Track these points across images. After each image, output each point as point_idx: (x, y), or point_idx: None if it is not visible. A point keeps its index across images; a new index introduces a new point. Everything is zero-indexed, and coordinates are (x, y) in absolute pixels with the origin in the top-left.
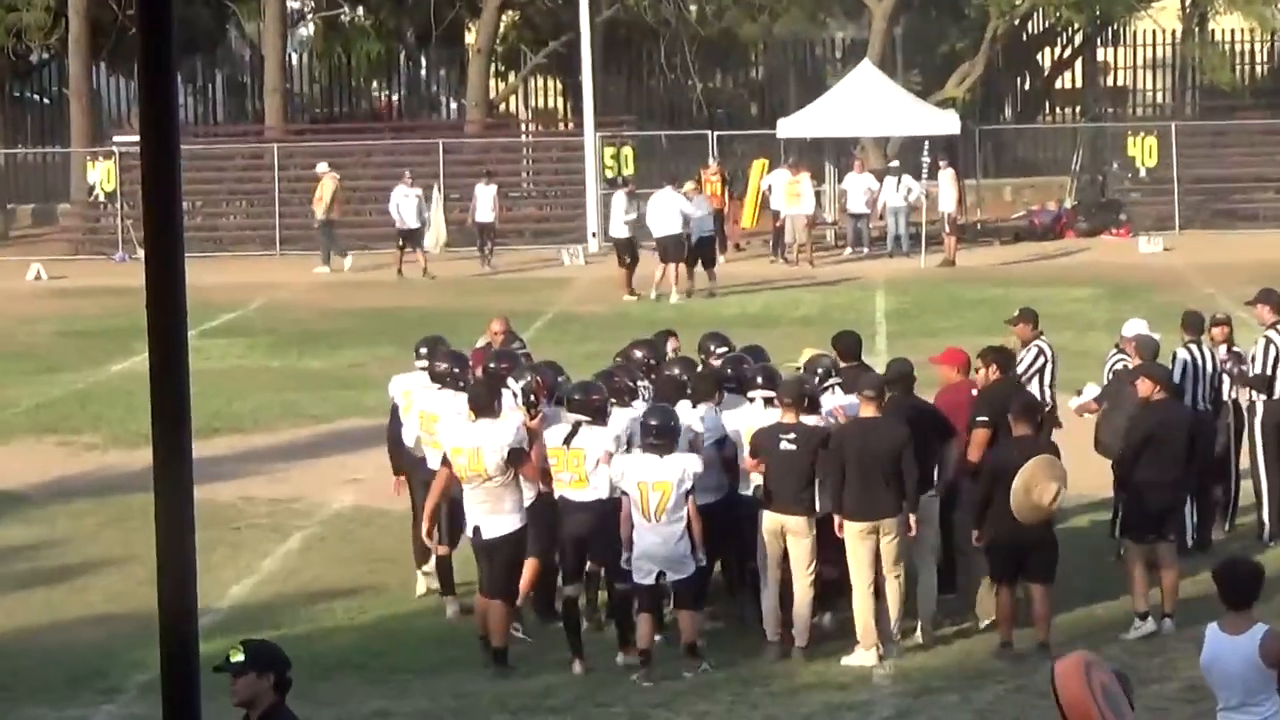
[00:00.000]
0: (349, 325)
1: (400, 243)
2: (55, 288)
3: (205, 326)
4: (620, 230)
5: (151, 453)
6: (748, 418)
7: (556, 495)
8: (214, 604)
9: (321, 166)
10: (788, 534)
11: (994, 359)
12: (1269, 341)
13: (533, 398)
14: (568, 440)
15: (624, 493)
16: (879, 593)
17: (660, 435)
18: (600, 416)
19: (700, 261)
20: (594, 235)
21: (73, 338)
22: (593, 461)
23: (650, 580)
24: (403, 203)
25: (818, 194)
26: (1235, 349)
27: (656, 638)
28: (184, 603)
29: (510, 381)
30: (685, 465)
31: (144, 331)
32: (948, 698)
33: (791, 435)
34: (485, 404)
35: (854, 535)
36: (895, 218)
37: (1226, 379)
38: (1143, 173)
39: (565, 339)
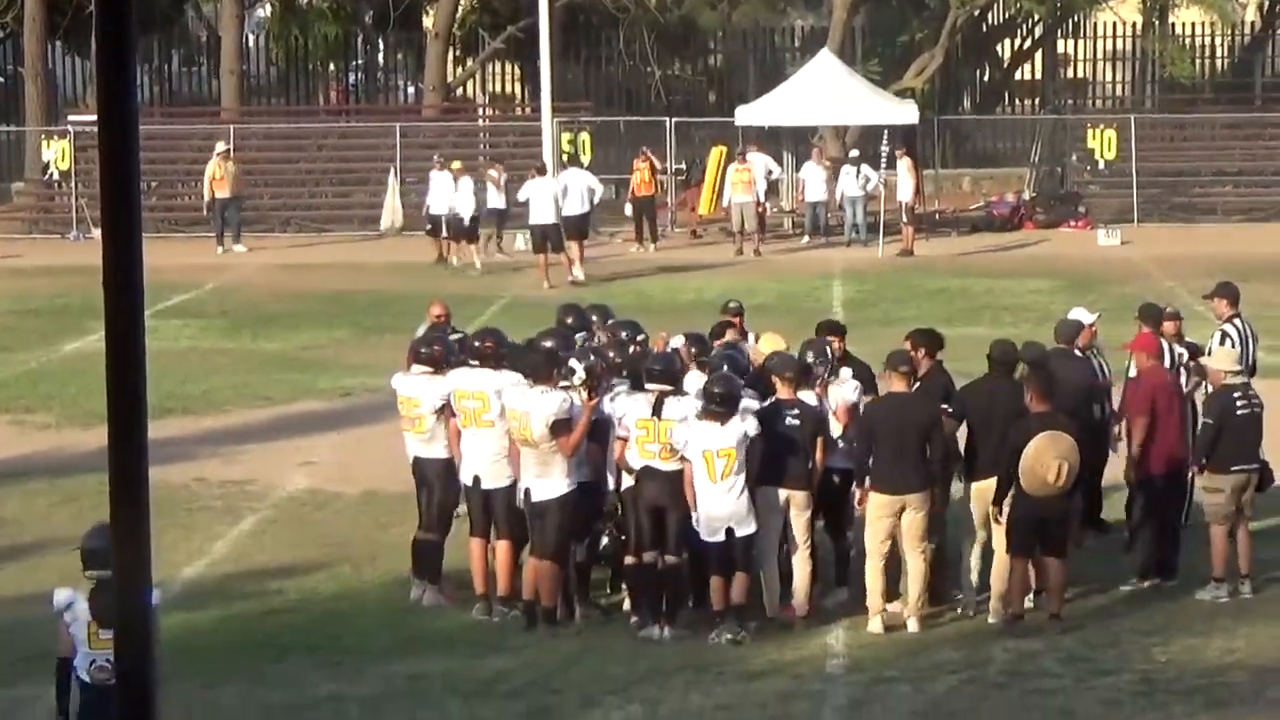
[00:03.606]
0: (304, 308)
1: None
2: (9, 267)
3: (159, 307)
4: (549, 215)
5: (106, 433)
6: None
7: (640, 466)
8: (166, 585)
9: (221, 146)
10: (792, 508)
11: (924, 343)
12: (1225, 335)
13: (596, 380)
14: (657, 411)
15: (687, 460)
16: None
17: (724, 403)
18: (680, 386)
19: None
20: None
21: (26, 317)
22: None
23: (721, 537)
24: (450, 192)
25: (776, 182)
26: (1189, 340)
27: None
28: (138, 583)
29: (572, 362)
30: (745, 429)
31: (97, 311)
32: (901, 688)
33: (795, 412)
34: (543, 373)
35: (878, 507)
36: (853, 206)
37: (1183, 373)
38: (1101, 165)
39: (519, 325)
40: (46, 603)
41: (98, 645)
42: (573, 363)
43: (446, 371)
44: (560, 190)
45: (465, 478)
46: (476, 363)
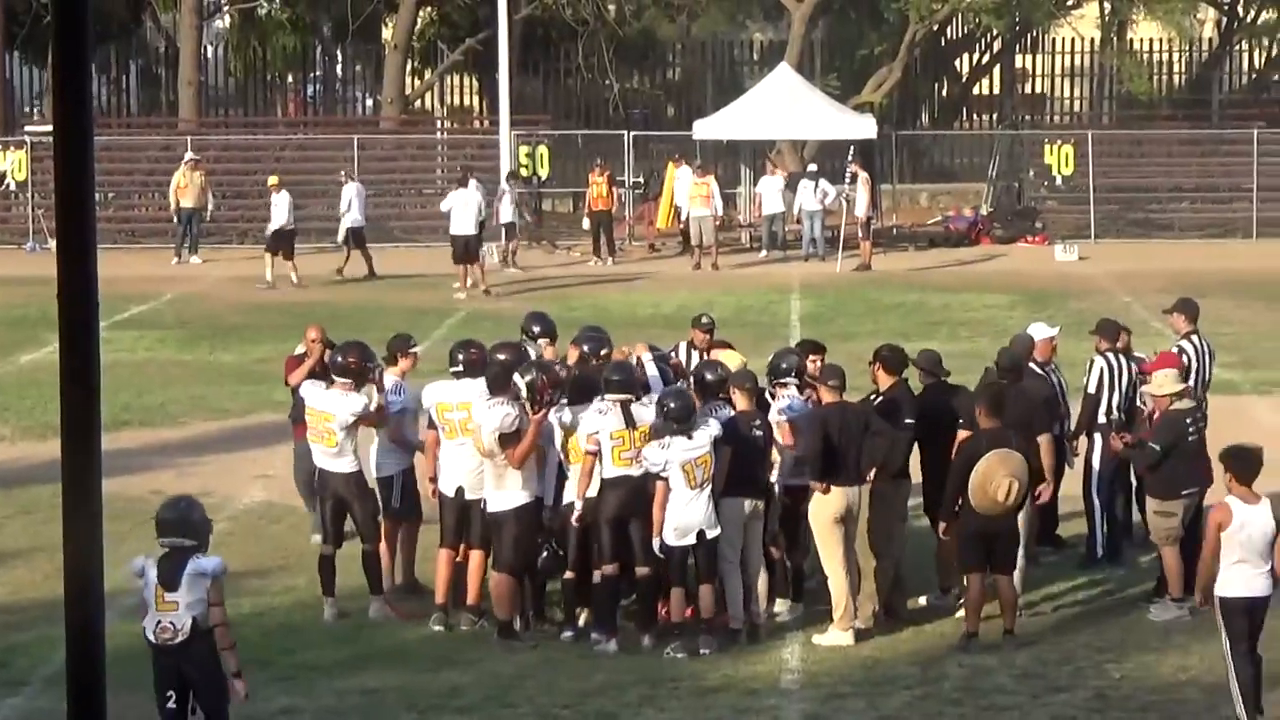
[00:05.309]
0: (261, 320)
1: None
2: None
3: (116, 318)
4: (470, 226)
5: (60, 445)
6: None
7: (613, 475)
8: (120, 598)
9: (189, 155)
10: (754, 518)
11: (882, 359)
12: (1181, 351)
13: (538, 395)
14: (629, 423)
15: (660, 478)
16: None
17: (686, 417)
18: (638, 393)
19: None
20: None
21: None
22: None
23: (690, 540)
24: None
25: (733, 196)
26: (1138, 355)
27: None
28: (90, 596)
29: (515, 376)
30: (711, 433)
31: (53, 322)
32: (855, 703)
33: (758, 423)
34: (500, 385)
35: (828, 510)
36: (811, 221)
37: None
38: (1059, 180)
39: (478, 336)
40: (8, 611)
41: (162, 607)
42: (515, 377)
43: (363, 386)
44: (482, 201)
45: (446, 488)
46: (460, 370)
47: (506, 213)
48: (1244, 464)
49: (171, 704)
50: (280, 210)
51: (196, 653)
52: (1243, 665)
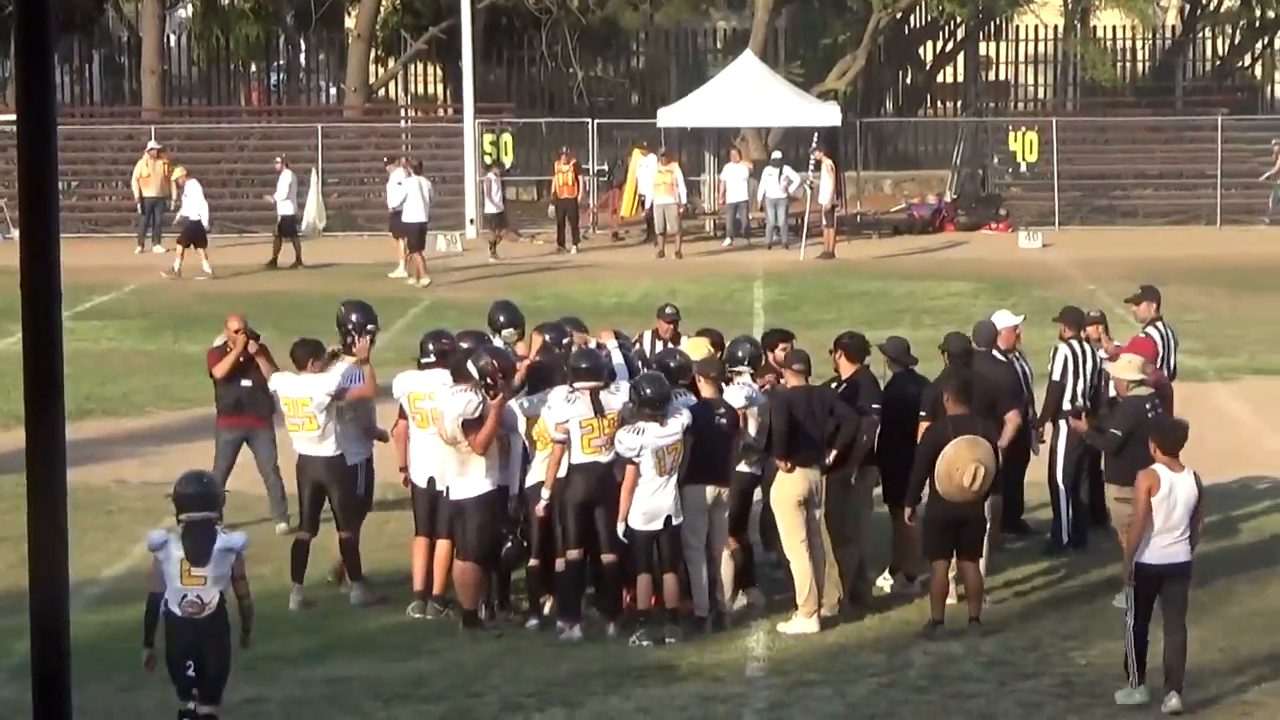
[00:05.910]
0: (225, 310)
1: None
2: None
3: (79, 308)
4: (423, 214)
5: (24, 434)
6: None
7: (584, 461)
8: (85, 588)
9: (151, 144)
10: (717, 506)
11: (843, 347)
12: (1146, 338)
13: (489, 380)
14: (598, 410)
15: (632, 463)
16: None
17: (661, 404)
18: (610, 380)
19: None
20: (471, 222)
21: None
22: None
23: (658, 526)
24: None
25: (697, 183)
26: (1116, 344)
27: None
28: (55, 586)
29: (468, 363)
30: (683, 421)
31: (17, 311)
32: (821, 690)
33: (722, 410)
34: (462, 372)
35: (790, 493)
36: (775, 209)
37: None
38: (1023, 168)
39: (442, 326)
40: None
41: (189, 581)
42: (469, 364)
43: (330, 367)
44: (431, 189)
45: (418, 478)
46: (431, 360)
47: (497, 201)
48: (1169, 435)
49: (191, 673)
50: (194, 201)
51: (218, 626)
52: (1140, 634)
